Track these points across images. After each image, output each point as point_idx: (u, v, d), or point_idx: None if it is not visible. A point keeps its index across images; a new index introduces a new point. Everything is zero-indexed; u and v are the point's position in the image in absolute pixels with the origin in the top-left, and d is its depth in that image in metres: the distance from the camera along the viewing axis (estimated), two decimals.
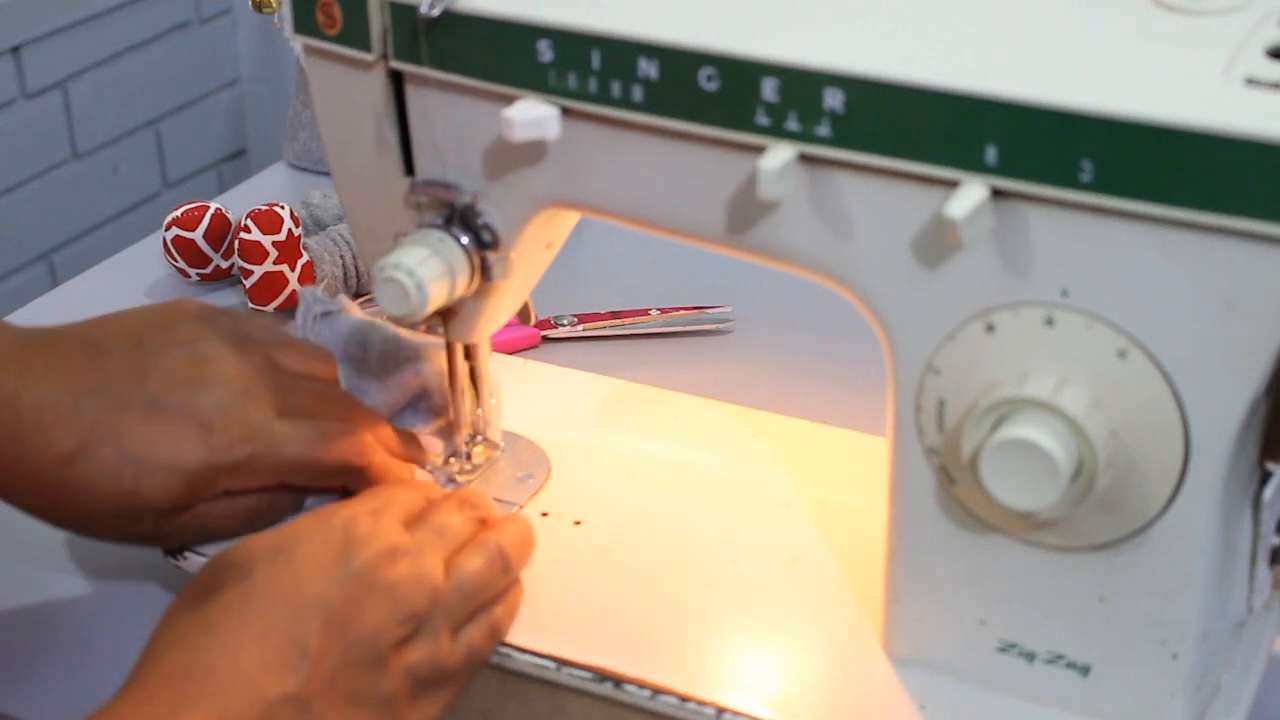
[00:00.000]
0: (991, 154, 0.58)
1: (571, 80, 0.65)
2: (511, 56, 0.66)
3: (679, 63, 0.62)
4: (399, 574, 0.66)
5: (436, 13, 0.66)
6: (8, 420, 0.69)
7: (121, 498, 0.71)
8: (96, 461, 0.70)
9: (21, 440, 0.69)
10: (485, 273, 0.72)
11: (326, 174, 1.23)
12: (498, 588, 0.70)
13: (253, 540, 0.66)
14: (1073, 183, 0.57)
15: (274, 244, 1.03)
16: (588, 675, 0.69)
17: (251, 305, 1.04)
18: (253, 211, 1.05)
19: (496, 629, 0.70)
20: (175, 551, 0.77)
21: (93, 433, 0.70)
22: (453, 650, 0.67)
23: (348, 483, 0.76)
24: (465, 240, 0.71)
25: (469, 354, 0.79)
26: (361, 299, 1.07)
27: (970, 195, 0.58)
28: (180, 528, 0.74)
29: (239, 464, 0.73)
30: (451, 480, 0.80)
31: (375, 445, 0.76)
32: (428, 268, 0.69)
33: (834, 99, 0.60)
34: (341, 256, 1.06)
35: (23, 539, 0.86)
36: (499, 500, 0.79)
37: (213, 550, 0.74)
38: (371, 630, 0.64)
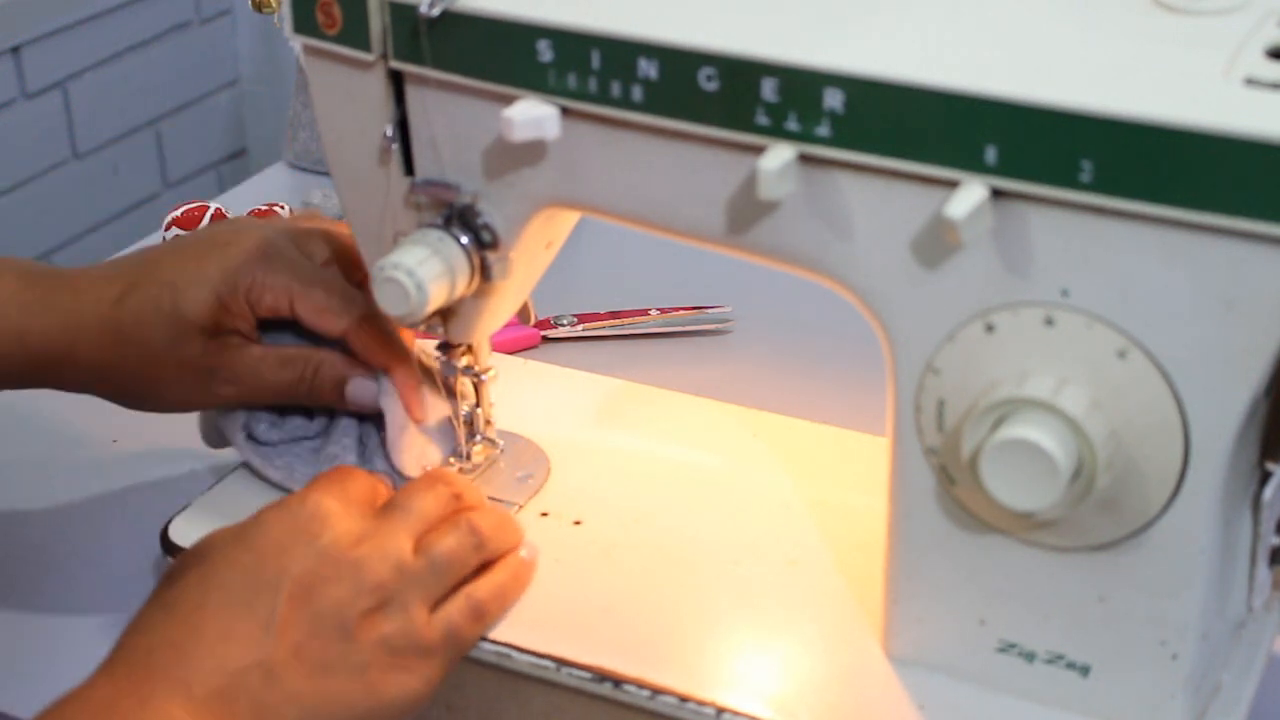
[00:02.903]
0: (991, 154, 0.58)
1: (571, 80, 0.65)
2: (511, 56, 0.66)
3: (679, 63, 0.62)
4: (363, 549, 0.67)
5: (436, 12, 0.66)
6: (67, 291, 0.78)
7: (164, 322, 0.77)
8: (139, 296, 0.77)
9: (80, 297, 0.78)
10: (485, 273, 0.72)
11: (326, 174, 1.23)
12: (471, 564, 0.71)
13: (215, 531, 0.68)
14: (1073, 183, 0.57)
15: None
16: (587, 675, 0.69)
17: None
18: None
19: (480, 610, 0.70)
20: (175, 551, 0.77)
21: (135, 275, 0.78)
22: (429, 624, 0.67)
23: (349, 331, 0.78)
24: (465, 240, 0.71)
25: (469, 354, 0.79)
26: None
27: (970, 195, 0.58)
28: (233, 370, 0.78)
29: (255, 275, 0.77)
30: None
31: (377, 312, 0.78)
32: (428, 268, 0.69)
33: (834, 99, 0.60)
34: None
35: (22, 539, 0.86)
36: (499, 500, 0.79)
37: None
38: (335, 601, 0.65)
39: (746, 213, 0.65)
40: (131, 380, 0.79)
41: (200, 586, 0.65)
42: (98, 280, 0.79)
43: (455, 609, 0.69)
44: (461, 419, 0.80)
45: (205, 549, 0.67)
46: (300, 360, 0.79)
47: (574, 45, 0.64)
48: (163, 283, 0.77)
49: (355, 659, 0.65)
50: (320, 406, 0.81)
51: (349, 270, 0.80)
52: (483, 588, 0.71)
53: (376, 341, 0.78)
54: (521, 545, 0.74)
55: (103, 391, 0.80)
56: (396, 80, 0.70)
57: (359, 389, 0.79)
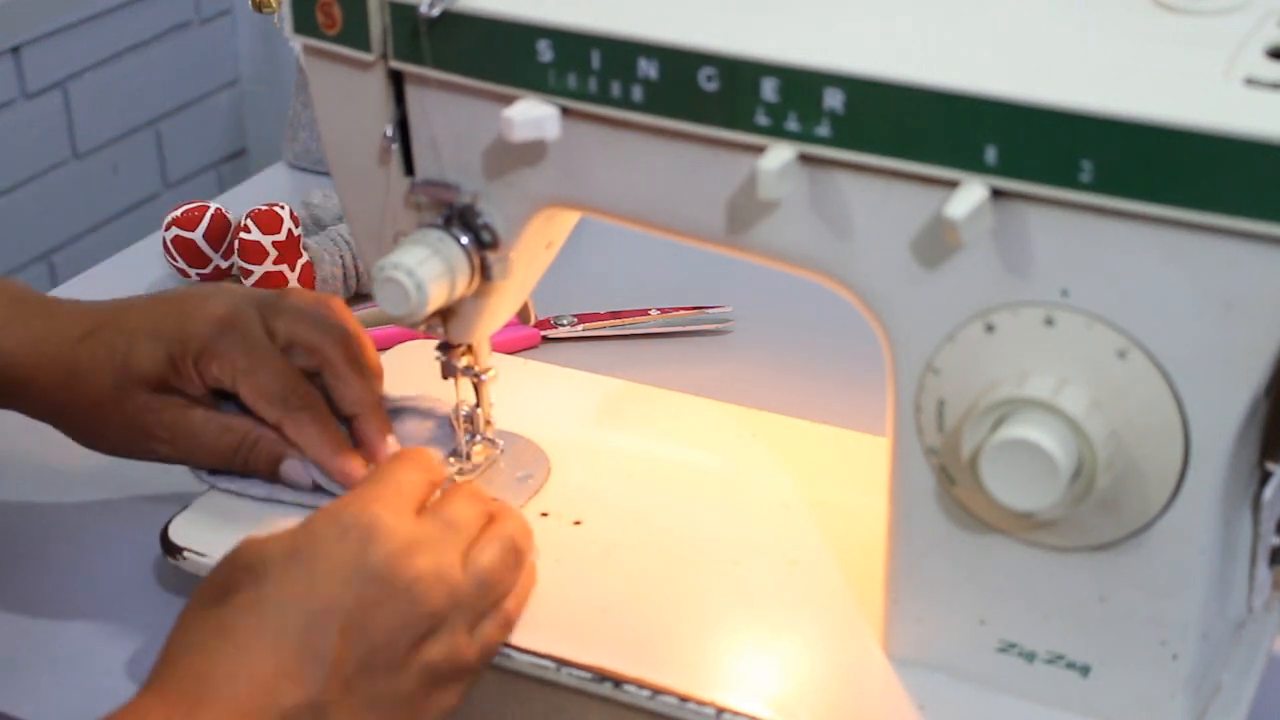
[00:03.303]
0: (991, 154, 0.58)
1: (571, 80, 0.65)
2: (511, 56, 0.66)
3: (679, 63, 0.62)
4: (418, 571, 0.66)
5: (436, 12, 0.66)
6: (42, 317, 0.80)
7: (115, 370, 0.78)
8: (100, 340, 0.79)
9: (51, 326, 0.80)
10: (485, 273, 0.72)
11: (326, 174, 1.22)
12: (510, 582, 0.71)
13: (266, 542, 0.66)
14: (1073, 183, 0.57)
15: (274, 244, 1.03)
16: (587, 675, 0.69)
17: None
18: (253, 211, 1.05)
19: (509, 620, 0.70)
20: (175, 551, 0.77)
21: (104, 318, 0.80)
22: (470, 644, 0.67)
23: (283, 422, 0.78)
24: (465, 240, 0.71)
25: (469, 354, 0.79)
26: (362, 300, 1.08)
27: (970, 195, 0.58)
28: (173, 432, 0.79)
29: (206, 341, 0.77)
30: (450, 480, 0.80)
31: (323, 403, 0.79)
32: (428, 268, 0.69)
33: (834, 99, 0.60)
34: (341, 256, 1.06)
35: (23, 539, 0.86)
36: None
37: (211, 551, 0.75)
38: (389, 632, 0.64)
39: (746, 213, 0.65)
40: (80, 419, 0.80)
41: (256, 612, 0.63)
42: (71, 314, 0.80)
43: (493, 626, 0.69)
44: (461, 419, 0.80)
45: (260, 565, 0.65)
46: (241, 430, 0.79)
47: (574, 45, 0.64)
48: (123, 330, 0.79)
49: (402, 689, 0.65)
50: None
51: (309, 355, 0.79)
52: (513, 600, 0.71)
53: (308, 438, 0.78)
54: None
55: (57, 425, 0.81)
56: (396, 80, 0.70)
57: (291, 470, 0.79)
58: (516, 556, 0.71)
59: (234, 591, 0.64)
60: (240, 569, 0.65)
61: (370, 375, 0.80)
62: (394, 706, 0.64)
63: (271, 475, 0.79)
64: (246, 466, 0.80)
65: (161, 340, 0.78)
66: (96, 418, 0.79)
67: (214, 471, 0.81)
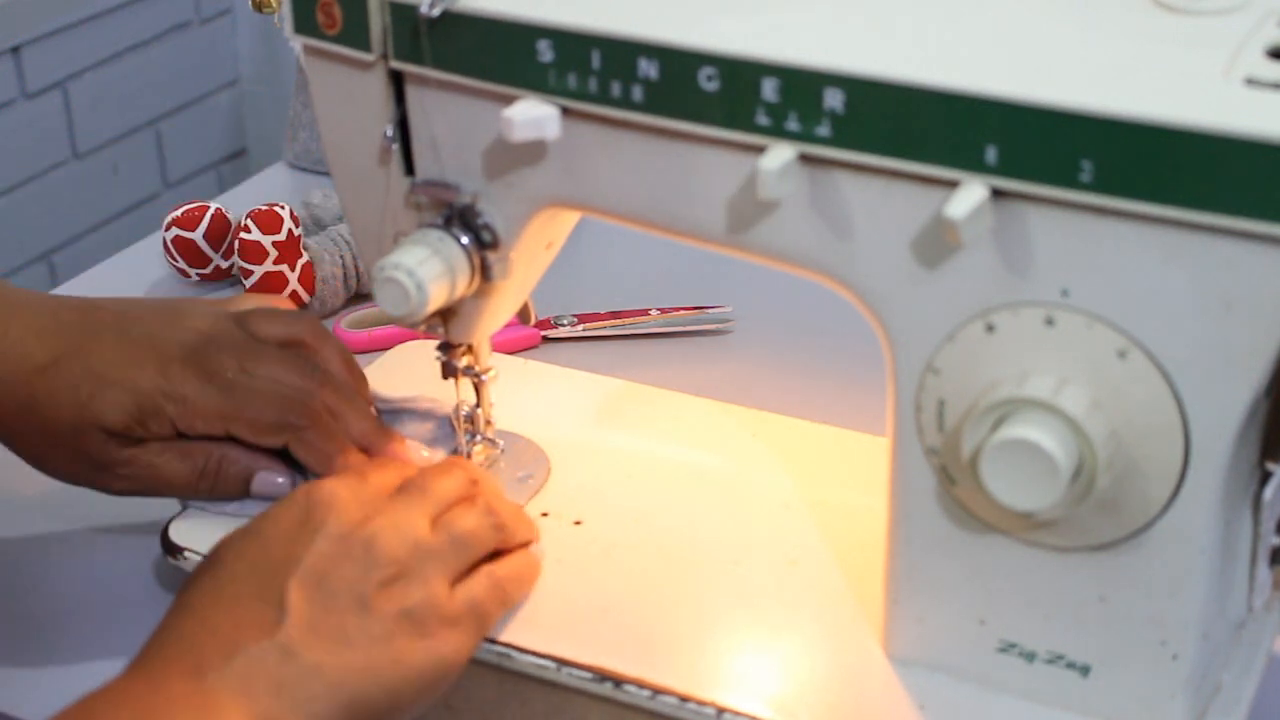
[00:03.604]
0: (991, 154, 0.58)
1: (571, 80, 0.65)
2: (511, 56, 0.66)
3: (679, 63, 0.62)
4: (375, 526, 0.67)
5: (436, 13, 0.66)
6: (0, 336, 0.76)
7: (76, 410, 0.75)
8: (62, 375, 0.75)
9: (11, 346, 0.76)
10: (485, 273, 0.72)
11: (326, 174, 1.22)
12: (490, 544, 0.71)
13: (228, 534, 0.68)
14: (1073, 183, 0.57)
15: (274, 244, 1.03)
16: (588, 675, 0.69)
17: None
18: (253, 211, 1.05)
19: (502, 589, 0.70)
20: (175, 551, 0.77)
21: (66, 350, 0.76)
22: (452, 597, 0.67)
23: (290, 444, 0.77)
24: (465, 240, 0.71)
25: (469, 354, 0.79)
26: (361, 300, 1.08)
27: (970, 195, 0.58)
28: (129, 467, 0.76)
29: (187, 398, 0.75)
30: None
31: (324, 415, 0.77)
32: (428, 268, 0.69)
33: (834, 99, 0.60)
34: (341, 256, 1.06)
35: (22, 539, 0.86)
36: None
37: None
38: (348, 579, 0.65)
39: (746, 213, 0.65)
40: (30, 445, 0.77)
41: (213, 583, 0.65)
42: (29, 335, 0.76)
43: (478, 584, 0.69)
44: (461, 419, 0.80)
45: (218, 550, 0.67)
46: (201, 454, 0.77)
47: (574, 45, 0.64)
48: (89, 371, 0.75)
49: (376, 630, 0.65)
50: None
51: (289, 365, 0.77)
52: (503, 568, 0.71)
53: (317, 455, 0.76)
54: (534, 542, 0.74)
55: (8, 446, 0.79)
56: (396, 80, 0.70)
57: (264, 483, 0.78)
58: (495, 520, 0.71)
59: (197, 576, 0.67)
60: (204, 560, 0.68)
61: (362, 403, 0.80)
62: (371, 646, 0.64)
63: (245, 494, 0.78)
64: (215, 492, 0.78)
65: (130, 393, 0.75)
66: (48, 449, 0.77)
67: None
